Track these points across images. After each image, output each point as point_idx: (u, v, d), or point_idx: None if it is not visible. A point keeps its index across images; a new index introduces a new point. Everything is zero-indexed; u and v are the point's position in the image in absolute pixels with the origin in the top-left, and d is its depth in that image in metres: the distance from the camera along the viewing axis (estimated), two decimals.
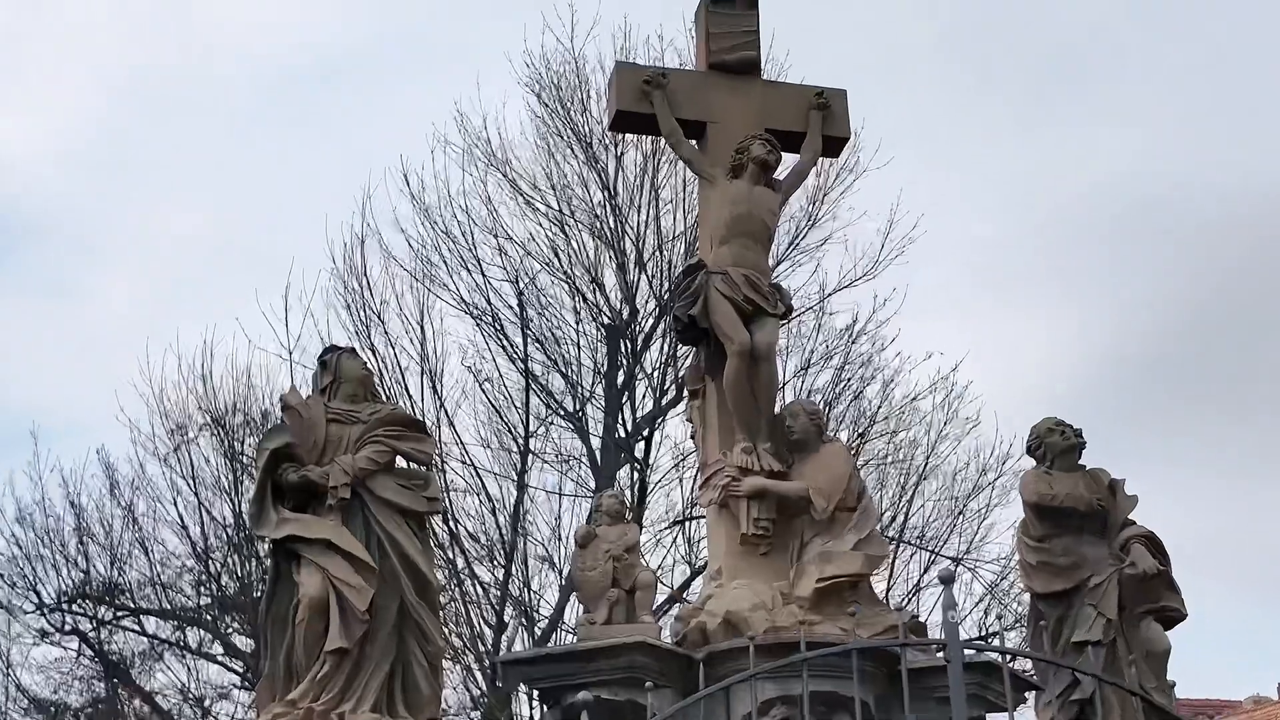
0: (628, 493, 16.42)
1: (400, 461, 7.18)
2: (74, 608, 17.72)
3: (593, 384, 17.56)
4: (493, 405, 17.65)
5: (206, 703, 18.40)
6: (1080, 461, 8.27)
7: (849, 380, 17.83)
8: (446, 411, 17.27)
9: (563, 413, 17.55)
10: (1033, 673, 7.95)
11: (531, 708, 13.36)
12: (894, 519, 16.93)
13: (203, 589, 17.72)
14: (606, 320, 17.58)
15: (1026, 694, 8.09)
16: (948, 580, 5.66)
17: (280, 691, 6.74)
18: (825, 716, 6.25)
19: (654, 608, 7.71)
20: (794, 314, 12.01)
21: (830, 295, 17.98)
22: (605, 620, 6.98)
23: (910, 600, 15.70)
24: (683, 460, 16.52)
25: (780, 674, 6.22)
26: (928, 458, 17.68)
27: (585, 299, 17.74)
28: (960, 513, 17.55)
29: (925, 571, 16.92)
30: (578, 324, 17.83)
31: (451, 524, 16.35)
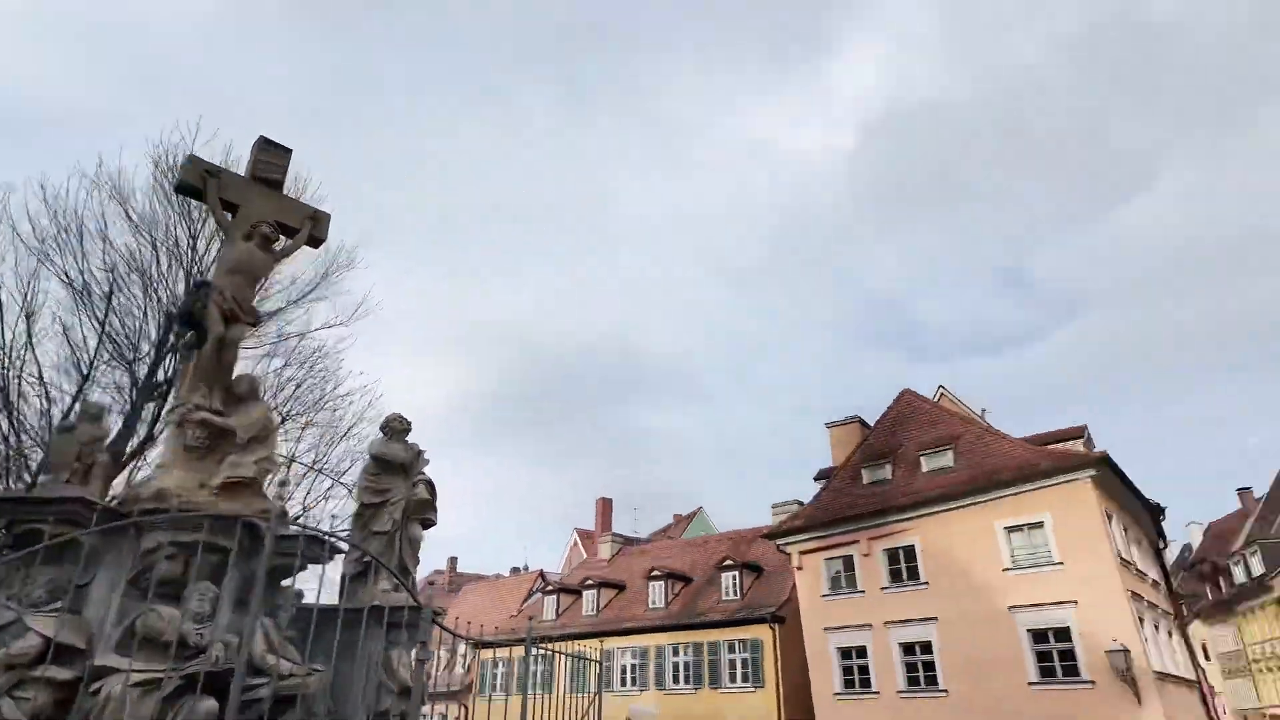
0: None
1: None
2: None
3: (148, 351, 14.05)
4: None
5: None
6: (407, 439, 8.10)
7: (315, 378, 16.10)
8: None
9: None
10: (345, 543, 7.43)
11: None
12: (322, 458, 15.33)
13: None
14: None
15: (340, 553, 7.56)
16: (283, 483, 5.25)
17: None
18: (207, 556, 5.41)
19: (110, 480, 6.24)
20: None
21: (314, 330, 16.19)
22: (66, 481, 5.52)
23: (319, 504, 14.19)
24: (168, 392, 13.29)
25: (182, 526, 5.36)
26: (350, 429, 16.42)
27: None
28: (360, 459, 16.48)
29: (329, 489, 15.53)
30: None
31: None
